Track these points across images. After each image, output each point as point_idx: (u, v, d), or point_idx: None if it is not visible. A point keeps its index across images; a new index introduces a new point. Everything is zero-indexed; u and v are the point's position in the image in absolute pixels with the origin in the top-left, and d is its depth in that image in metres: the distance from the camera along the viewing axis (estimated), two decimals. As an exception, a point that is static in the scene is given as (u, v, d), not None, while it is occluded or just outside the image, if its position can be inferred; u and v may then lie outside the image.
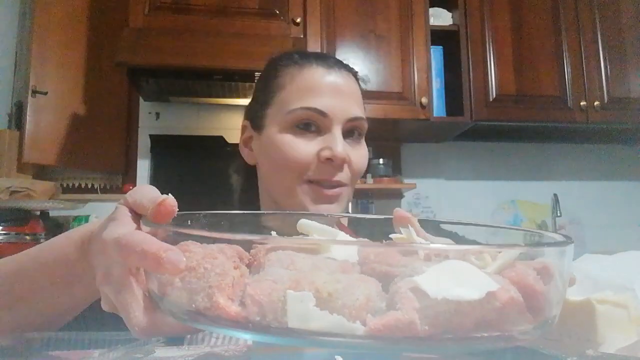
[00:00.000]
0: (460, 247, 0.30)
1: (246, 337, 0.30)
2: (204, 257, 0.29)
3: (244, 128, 0.79)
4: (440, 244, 0.32)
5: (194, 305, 0.28)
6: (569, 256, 0.30)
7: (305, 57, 0.75)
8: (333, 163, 0.68)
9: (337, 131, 0.70)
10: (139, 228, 0.35)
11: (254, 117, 0.76)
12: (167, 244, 0.30)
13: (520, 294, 0.28)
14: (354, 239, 0.37)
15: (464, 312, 0.26)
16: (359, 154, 0.73)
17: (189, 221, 0.39)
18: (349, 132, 0.72)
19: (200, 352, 0.44)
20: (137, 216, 0.36)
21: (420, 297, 0.26)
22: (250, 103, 0.80)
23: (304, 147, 0.69)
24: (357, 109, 0.73)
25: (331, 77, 0.72)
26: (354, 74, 0.77)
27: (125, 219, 0.36)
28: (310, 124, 0.70)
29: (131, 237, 0.32)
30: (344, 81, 0.73)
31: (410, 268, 0.28)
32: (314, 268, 0.28)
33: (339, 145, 0.68)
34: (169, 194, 0.35)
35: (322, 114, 0.69)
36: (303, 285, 0.26)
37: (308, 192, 0.69)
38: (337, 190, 0.69)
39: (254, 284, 0.28)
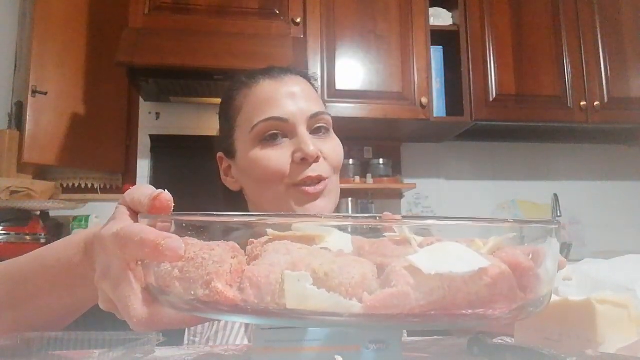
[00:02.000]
0: (452, 223, 0.31)
1: (245, 321, 0.30)
2: (202, 248, 0.30)
3: (220, 160, 0.80)
4: (434, 220, 0.33)
5: (192, 293, 0.29)
6: (555, 238, 0.31)
7: (252, 75, 0.77)
8: (308, 162, 0.70)
9: (303, 131, 0.71)
10: None
11: (225, 146, 0.78)
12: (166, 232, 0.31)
13: (511, 271, 0.29)
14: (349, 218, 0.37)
15: (456, 288, 0.27)
16: (331, 146, 0.74)
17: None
18: (316, 130, 0.73)
19: (200, 352, 0.44)
20: (135, 214, 0.37)
21: (414, 274, 0.27)
22: (218, 135, 0.82)
23: (278, 156, 0.70)
24: (315, 106, 0.74)
25: (281, 85, 0.74)
26: (303, 75, 0.79)
27: (124, 216, 0.36)
28: (275, 134, 0.71)
29: (129, 229, 0.32)
30: (294, 85, 0.74)
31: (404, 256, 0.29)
32: (310, 256, 0.28)
33: (308, 144, 0.69)
34: (165, 190, 0.35)
35: (282, 120, 0.71)
36: (300, 267, 0.27)
37: (293, 196, 0.70)
38: (320, 186, 0.70)
39: (251, 267, 0.28)
